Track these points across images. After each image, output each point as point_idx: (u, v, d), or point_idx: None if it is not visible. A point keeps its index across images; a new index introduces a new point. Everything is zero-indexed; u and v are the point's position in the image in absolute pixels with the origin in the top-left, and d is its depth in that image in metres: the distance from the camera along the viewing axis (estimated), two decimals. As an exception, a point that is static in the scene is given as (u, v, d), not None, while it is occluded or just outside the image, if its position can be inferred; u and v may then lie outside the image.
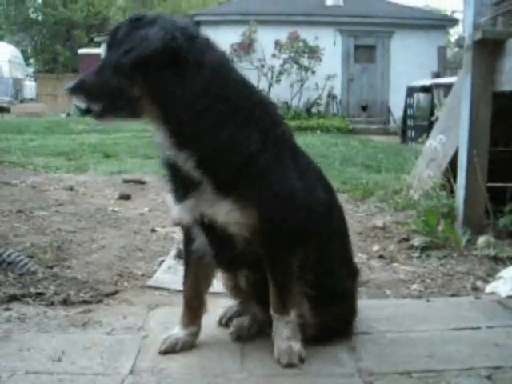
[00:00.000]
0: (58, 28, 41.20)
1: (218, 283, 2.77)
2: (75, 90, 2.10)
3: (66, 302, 3.09)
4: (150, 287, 3.44)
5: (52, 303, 3.07)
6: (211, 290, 2.66)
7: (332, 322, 2.52)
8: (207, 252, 2.43)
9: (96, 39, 26.52)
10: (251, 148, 2.19)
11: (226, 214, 2.19)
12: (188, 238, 2.47)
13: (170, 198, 2.37)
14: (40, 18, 43.09)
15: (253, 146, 2.20)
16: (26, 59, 40.57)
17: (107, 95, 2.09)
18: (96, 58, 27.06)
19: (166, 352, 2.48)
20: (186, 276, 2.58)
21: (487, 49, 4.47)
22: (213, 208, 2.20)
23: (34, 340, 2.59)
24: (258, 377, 2.27)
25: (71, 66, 38.19)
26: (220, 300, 2.94)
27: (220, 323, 2.81)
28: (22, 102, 30.69)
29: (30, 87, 33.75)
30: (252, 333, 2.64)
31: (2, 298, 3.05)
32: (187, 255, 2.54)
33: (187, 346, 2.53)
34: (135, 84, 2.06)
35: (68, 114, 26.43)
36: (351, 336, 2.65)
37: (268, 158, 2.23)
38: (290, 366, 2.34)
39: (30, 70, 41.04)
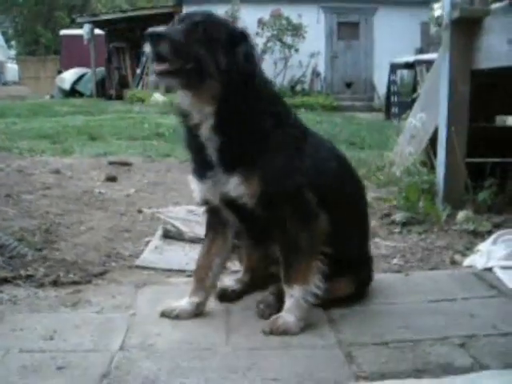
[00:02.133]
0: (40, 9, 40.79)
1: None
2: None
3: (55, 283, 3.16)
4: (137, 267, 3.52)
5: (42, 284, 3.14)
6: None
7: (354, 290, 2.78)
8: (232, 227, 2.72)
9: (78, 20, 26.23)
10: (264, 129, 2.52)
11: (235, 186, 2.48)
12: (210, 215, 2.77)
13: (192, 178, 2.66)
14: (21, -1, 42.63)
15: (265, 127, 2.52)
16: (7, 41, 40.18)
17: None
18: (78, 39, 26.88)
19: (162, 315, 2.70)
20: (202, 248, 2.83)
21: (465, 27, 4.56)
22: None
23: (26, 320, 2.67)
24: (242, 350, 2.36)
25: (53, 48, 37.90)
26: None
27: (221, 297, 2.92)
28: (4, 84, 30.48)
29: (12, 70, 33.52)
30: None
31: (-6, 281, 3.12)
32: (207, 230, 2.81)
33: (185, 313, 2.69)
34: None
35: (52, 96, 26.27)
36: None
37: (273, 138, 2.53)
38: (269, 333, 2.48)
39: (12, 52, 40.68)
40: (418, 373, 2.15)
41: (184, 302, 2.73)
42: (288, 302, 2.55)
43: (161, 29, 2.33)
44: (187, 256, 3.67)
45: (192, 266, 3.28)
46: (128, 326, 2.61)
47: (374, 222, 4.45)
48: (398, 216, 4.49)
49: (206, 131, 2.47)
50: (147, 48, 2.33)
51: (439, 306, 2.81)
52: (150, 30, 2.29)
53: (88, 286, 3.16)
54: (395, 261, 3.65)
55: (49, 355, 2.31)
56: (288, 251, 2.55)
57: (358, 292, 2.83)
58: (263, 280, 2.92)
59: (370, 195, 5.22)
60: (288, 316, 2.52)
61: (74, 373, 2.18)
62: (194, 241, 3.92)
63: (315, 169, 2.59)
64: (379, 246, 3.96)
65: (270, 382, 2.10)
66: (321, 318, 2.65)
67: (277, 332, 2.49)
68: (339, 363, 2.23)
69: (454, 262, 3.61)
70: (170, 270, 3.44)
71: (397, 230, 4.31)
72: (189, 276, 3.29)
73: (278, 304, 2.66)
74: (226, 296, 2.93)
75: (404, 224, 4.38)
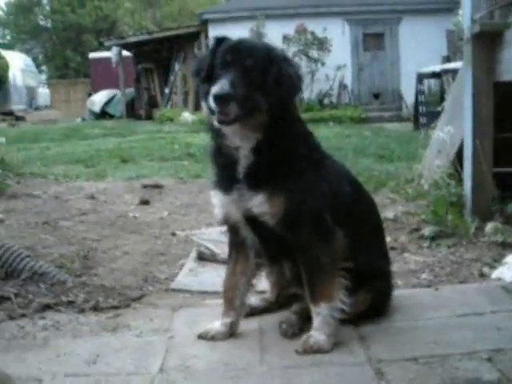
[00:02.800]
0: (68, 34, 41.62)
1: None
2: None
3: (96, 309, 3.28)
4: (173, 290, 3.64)
5: (83, 310, 3.27)
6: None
7: (371, 302, 2.82)
8: (252, 246, 2.79)
9: (106, 44, 26.71)
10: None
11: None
12: (231, 235, 2.87)
13: (215, 192, 2.73)
14: (49, 24, 43.58)
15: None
16: (38, 66, 40.98)
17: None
18: (107, 62, 27.35)
19: (199, 337, 2.81)
20: (227, 269, 2.94)
21: (486, 41, 4.61)
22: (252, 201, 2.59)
23: (69, 345, 2.79)
24: (276, 369, 2.46)
25: (83, 71, 38.62)
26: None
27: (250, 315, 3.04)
28: (36, 109, 31.06)
29: (43, 94, 34.10)
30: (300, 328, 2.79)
31: (37, 308, 3.25)
32: (230, 250, 2.92)
33: (220, 335, 2.80)
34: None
35: (83, 119, 26.72)
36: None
37: (300, 162, 2.65)
38: (303, 353, 2.57)
39: (43, 77, 41.44)
40: (446, 388, 2.21)
41: (218, 324, 2.84)
42: (316, 321, 2.64)
43: (224, 88, 2.41)
44: (221, 277, 3.73)
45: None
46: (166, 349, 2.72)
47: (403, 237, 4.53)
48: (427, 230, 4.53)
49: (244, 151, 2.58)
50: (212, 103, 2.44)
51: (467, 321, 2.87)
52: (216, 92, 2.41)
53: (127, 310, 3.28)
54: (424, 276, 3.71)
55: (93, 379, 2.44)
56: (311, 271, 2.65)
57: (376, 303, 2.88)
58: (288, 298, 3.02)
59: (399, 209, 5.31)
60: (318, 335, 2.61)
61: (117, 396, 2.30)
62: (226, 262, 4.02)
63: (333, 191, 2.70)
64: (408, 261, 4.02)
65: (304, 400, 2.19)
66: (350, 335, 2.74)
67: (310, 351, 2.57)
68: (369, 380, 2.31)
69: (482, 275, 3.66)
70: (204, 292, 3.55)
71: (426, 244, 4.36)
72: (223, 297, 3.40)
73: (301, 323, 2.76)
74: (254, 314, 3.06)
75: (433, 238, 4.43)
